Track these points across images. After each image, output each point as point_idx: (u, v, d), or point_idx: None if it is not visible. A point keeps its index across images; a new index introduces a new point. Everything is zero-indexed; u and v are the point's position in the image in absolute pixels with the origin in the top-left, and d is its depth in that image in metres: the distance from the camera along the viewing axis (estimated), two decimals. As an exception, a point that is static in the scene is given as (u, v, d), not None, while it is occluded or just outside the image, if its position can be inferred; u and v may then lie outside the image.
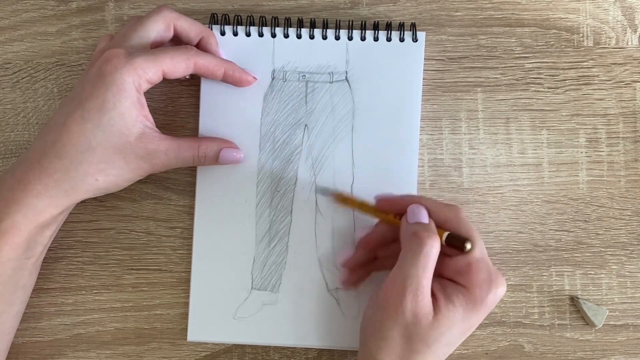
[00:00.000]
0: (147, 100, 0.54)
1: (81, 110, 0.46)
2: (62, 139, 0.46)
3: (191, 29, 0.51)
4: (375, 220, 0.51)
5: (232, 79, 0.52)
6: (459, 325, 0.46)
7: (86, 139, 0.46)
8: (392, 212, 0.49)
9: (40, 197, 0.47)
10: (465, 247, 0.46)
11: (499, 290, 0.46)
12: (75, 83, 0.54)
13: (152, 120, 0.49)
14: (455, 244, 0.46)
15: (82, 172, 0.47)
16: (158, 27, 0.49)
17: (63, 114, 0.47)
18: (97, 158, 0.47)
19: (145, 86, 0.48)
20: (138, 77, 0.47)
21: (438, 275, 0.47)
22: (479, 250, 0.47)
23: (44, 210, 0.47)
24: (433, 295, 0.46)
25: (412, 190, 0.53)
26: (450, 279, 0.47)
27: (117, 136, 0.47)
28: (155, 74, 0.48)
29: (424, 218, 0.47)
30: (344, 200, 0.52)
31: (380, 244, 0.51)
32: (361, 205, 0.51)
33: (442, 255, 0.47)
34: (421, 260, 0.45)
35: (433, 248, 0.45)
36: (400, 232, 0.48)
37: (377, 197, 0.51)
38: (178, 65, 0.48)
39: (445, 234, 0.47)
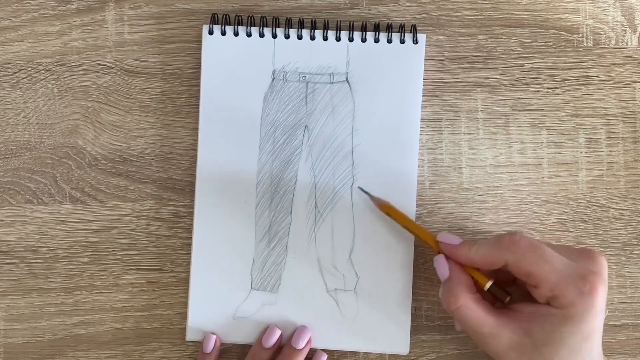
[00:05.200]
0: (147, 100, 0.54)
1: None
2: None
3: None
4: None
5: None
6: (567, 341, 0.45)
7: None
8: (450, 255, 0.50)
9: None
10: (505, 301, 0.48)
11: (595, 294, 0.45)
12: None
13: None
14: (496, 295, 0.48)
15: None
16: None
17: None
18: None
19: None
20: None
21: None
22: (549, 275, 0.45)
23: None
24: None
25: (412, 190, 0.53)
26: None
27: None
28: None
29: (455, 240, 0.49)
30: (388, 210, 0.52)
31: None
32: (405, 220, 0.51)
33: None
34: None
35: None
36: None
37: (440, 238, 0.50)
38: None
39: (489, 282, 0.48)
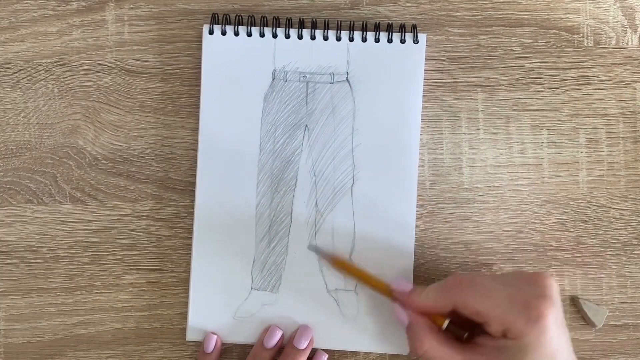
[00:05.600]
0: (147, 100, 0.54)
1: None
2: None
3: None
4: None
5: None
6: None
7: None
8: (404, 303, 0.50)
9: None
10: (463, 337, 0.48)
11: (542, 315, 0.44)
12: None
13: None
14: (455, 332, 0.48)
15: None
16: None
17: None
18: None
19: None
20: None
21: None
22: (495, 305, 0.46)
23: None
24: None
25: (412, 190, 0.53)
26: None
27: None
28: None
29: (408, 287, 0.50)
30: (341, 265, 0.52)
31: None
32: (360, 274, 0.52)
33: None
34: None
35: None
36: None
37: (393, 286, 0.51)
38: None
39: (446, 322, 0.48)
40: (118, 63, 0.55)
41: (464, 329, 0.49)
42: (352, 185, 0.53)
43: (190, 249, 0.54)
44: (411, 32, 0.53)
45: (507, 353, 0.45)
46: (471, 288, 0.46)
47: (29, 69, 0.55)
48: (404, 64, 0.53)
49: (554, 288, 0.46)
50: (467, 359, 0.46)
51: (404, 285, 0.50)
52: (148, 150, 0.55)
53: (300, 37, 0.53)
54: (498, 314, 0.45)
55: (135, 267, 0.55)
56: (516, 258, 0.55)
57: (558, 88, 0.55)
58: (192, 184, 0.54)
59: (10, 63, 0.55)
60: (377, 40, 0.53)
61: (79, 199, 0.55)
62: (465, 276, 0.47)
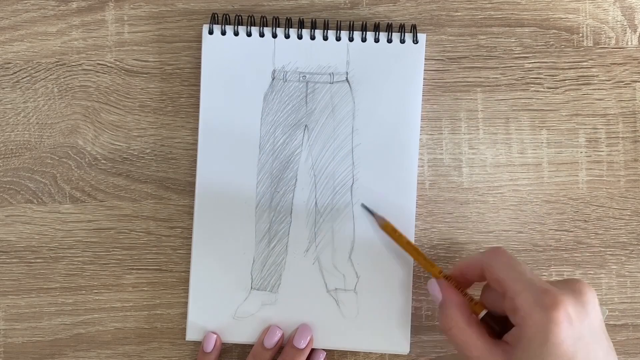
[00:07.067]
0: (147, 100, 0.54)
1: None
2: None
3: None
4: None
5: None
6: None
7: None
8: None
9: None
10: (498, 331, 0.47)
11: (556, 313, 0.41)
12: None
13: None
14: (491, 325, 0.47)
15: None
16: None
17: None
18: None
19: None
20: None
21: None
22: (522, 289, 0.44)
23: None
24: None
25: (412, 190, 0.53)
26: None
27: None
28: None
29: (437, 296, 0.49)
30: (391, 230, 0.52)
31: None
32: (406, 244, 0.52)
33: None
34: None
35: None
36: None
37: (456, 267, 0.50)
38: None
39: (483, 312, 0.47)
40: (118, 63, 0.55)
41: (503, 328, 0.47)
42: (352, 185, 0.53)
43: (190, 249, 0.54)
44: (411, 32, 0.53)
45: (524, 346, 0.42)
46: (504, 257, 0.46)
47: (29, 69, 0.55)
48: (403, 64, 0.53)
49: (588, 294, 0.43)
50: (489, 348, 0.45)
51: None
52: (148, 150, 0.55)
53: (299, 37, 0.53)
54: (516, 288, 0.43)
55: (135, 267, 0.55)
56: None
57: (558, 88, 0.55)
58: (192, 184, 0.54)
59: (10, 63, 0.55)
60: (376, 40, 0.53)
61: (79, 199, 0.55)
62: (504, 250, 0.46)
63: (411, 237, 0.53)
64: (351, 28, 0.53)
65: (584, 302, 0.43)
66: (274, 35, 0.53)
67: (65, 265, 0.55)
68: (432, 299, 0.50)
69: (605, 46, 0.55)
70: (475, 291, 0.50)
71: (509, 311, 0.44)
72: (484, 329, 0.46)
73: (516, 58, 0.55)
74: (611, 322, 0.55)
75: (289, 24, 0.54)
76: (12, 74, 0.55)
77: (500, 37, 0.55)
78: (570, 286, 0.44)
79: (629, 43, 0.55)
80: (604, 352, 0.43)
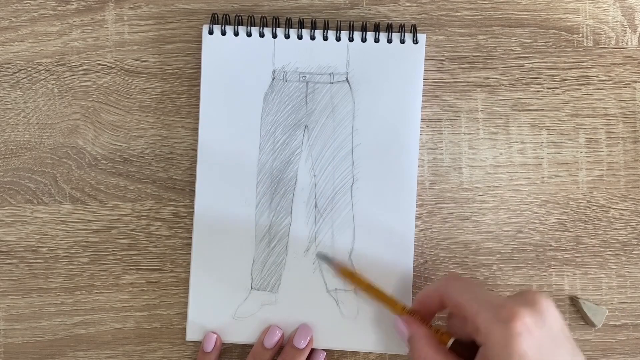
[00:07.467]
0: (147, 100, 0.54)
1: None
2: None
3: None
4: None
5: None
6: None
7: None
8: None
9: None
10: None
11: (513, 325, 0.42)
12: None
13: None
14: (460, 351, 0.47)
15: None
16: None
17: None
18: None
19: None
20: None
21: None
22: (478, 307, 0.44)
23: None
24: None
25: (412, 190, 0.53)
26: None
27: None
28: None
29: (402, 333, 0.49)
30: (348, 274, 0.52)
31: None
32: (366, 286, 0.52)
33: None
34: None
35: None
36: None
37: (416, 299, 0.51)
38: None
39: (451, 340, 0.47)
40: (118, 63, 0.55)
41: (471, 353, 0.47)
42: (351, 185, 0.53)
43: (190, 249, 0.54)
44: (411, 32, 0.53)
45: None
46: (458, 281, 0.47)
47: (29, 69, 0.55)
48: (403, 64, 0.53)
49: (543, 303, 0.44)
50: None
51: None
52: (148, 151, 0.55)
53: (299, 37, 0.53)
54: (474, 309, 0.44)
55: (135, 267, 0.55)
56: (516, 258, 0.55)
57: (558, 88, 0.55)
58: (192, 184, 0.54)
59: (10, 63, 0.55)
60: (376, 40, 0.53)
61: (79, 199, 0.55)
62: (457, 275, 0.48)
63: (411, 237, 0.53)
64: (351, 28, 0.54)
65: (540, 311, 0.43)
66: (274, 36, 0.53)
67: (65, 266, 0.55)
68: (399, 336, 0.49)
69: (605, 46, 0.55)
70: (441, 322, 0.50)
71: (473, 333, 0.45)
72: (454, 357, 0.47)
73: (516, 58, 0.55)
74: (611, 322, 0.55)
75: (289, 24, 0.54)
76: (12, 74, 0.55)
77: (500, 37, 0.55)
78: (525, 297, 0.44)
79: (629, 43, 0.55)
80: (570, 354, 0.44)
